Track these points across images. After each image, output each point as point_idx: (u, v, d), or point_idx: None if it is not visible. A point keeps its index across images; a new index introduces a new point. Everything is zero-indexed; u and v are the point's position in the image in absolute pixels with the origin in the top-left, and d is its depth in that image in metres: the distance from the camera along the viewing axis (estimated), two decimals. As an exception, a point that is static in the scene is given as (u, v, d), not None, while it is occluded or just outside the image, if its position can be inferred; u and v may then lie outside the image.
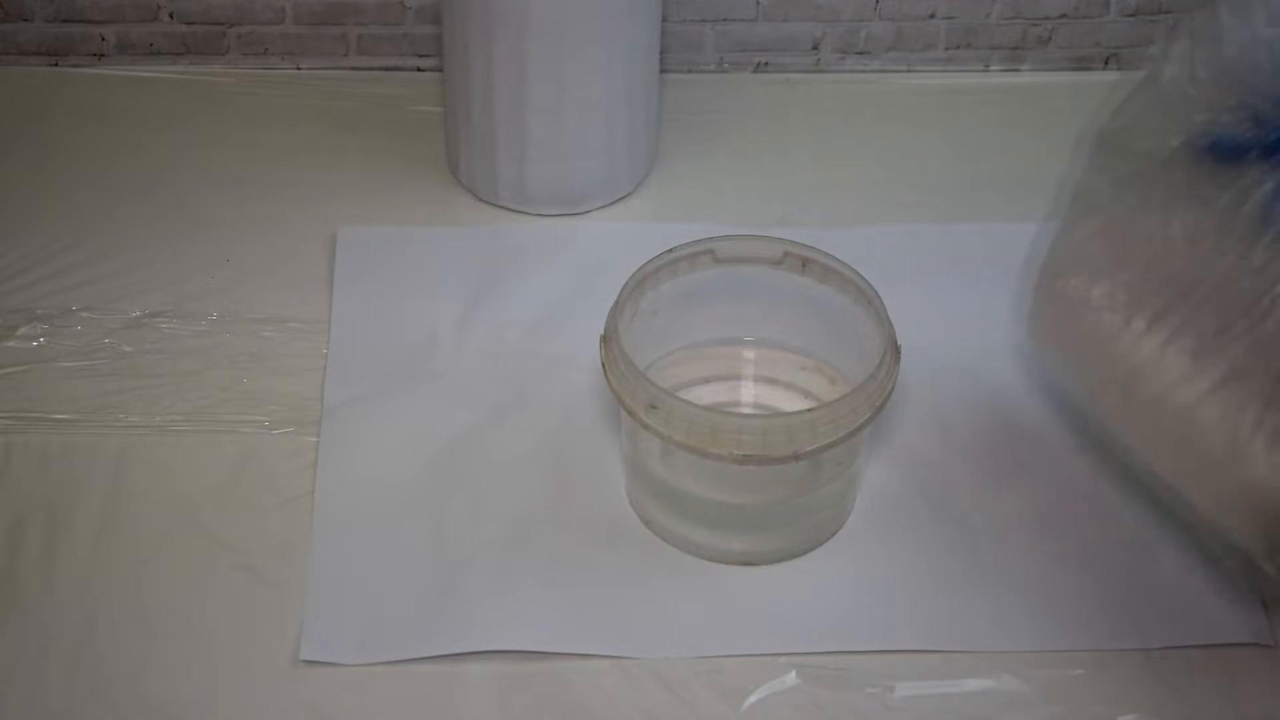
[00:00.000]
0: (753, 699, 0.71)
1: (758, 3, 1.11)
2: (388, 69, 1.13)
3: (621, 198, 1.01)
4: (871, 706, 0.70)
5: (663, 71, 1.03)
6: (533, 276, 0.94)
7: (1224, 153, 0.62)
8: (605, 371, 0.74)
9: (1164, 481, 0.68)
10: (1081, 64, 1.14)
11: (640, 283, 0.77)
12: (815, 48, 1.14)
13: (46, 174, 1.01)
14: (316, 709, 0.69)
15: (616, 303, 0.76)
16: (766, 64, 1.14)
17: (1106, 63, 1.15)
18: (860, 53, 1.14)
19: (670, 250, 0.79)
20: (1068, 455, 0.82)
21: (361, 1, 1.10)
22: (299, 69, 1.13)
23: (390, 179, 1.02)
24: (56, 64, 1.12)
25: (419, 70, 1.13)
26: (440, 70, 1.10)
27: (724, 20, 1.12)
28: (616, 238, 0.97)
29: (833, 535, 0.78)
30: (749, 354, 0.84)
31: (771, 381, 0.84)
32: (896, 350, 0.74)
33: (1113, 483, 0.80)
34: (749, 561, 0.77)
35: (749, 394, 0.84)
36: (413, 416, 0.84)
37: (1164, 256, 0.64)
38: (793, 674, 0.72)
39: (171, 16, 1.10)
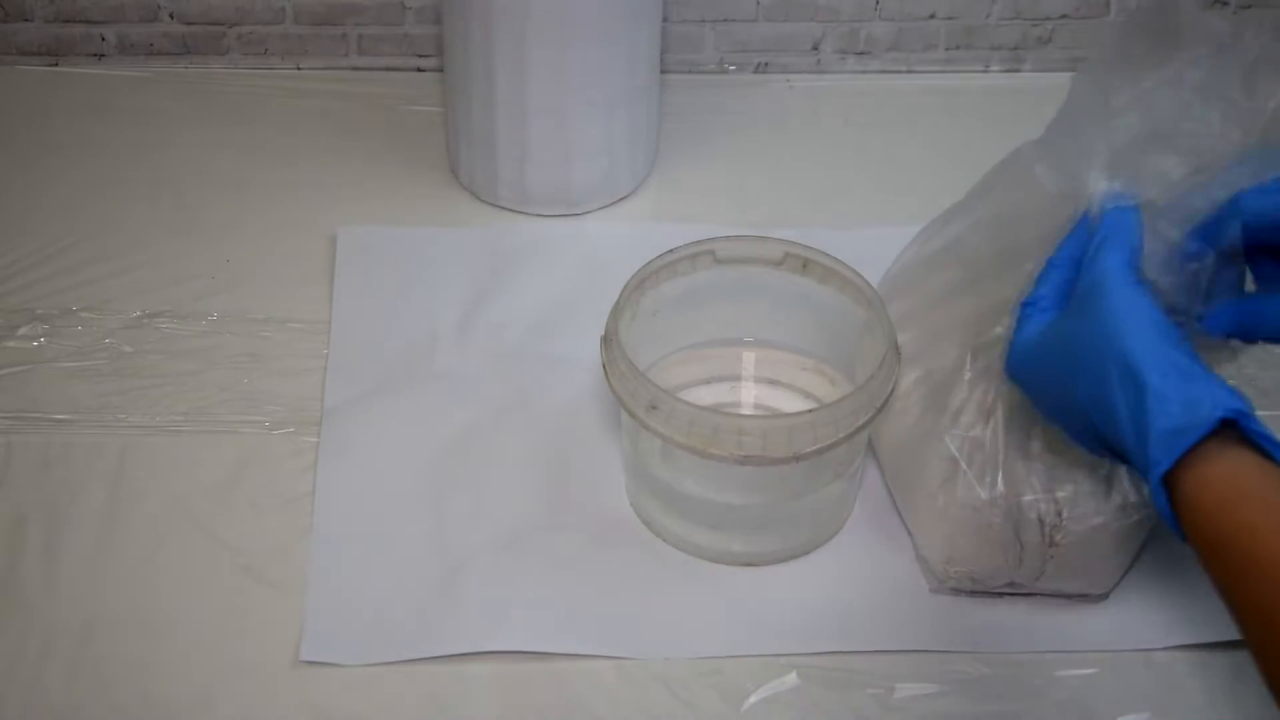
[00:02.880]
0: (753, 699, 0.71)
1: (758, 3, 1.11)
2: (388, 69, 1.13)
3: (622, 198, 1.01)
4: (871, 706, 0.70)
5: (663, 71, 1.03)
6: (533, 277, 0.94)
7: None
8: (606, 372, 0.74)
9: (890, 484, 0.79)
10: (1081, 64, 1.14)
11: (641, 283, 0.77)
12: (815, 48, 1.14)
13: (46, 174, 1.01)
14: (317, 709, 0.69)
15: (617, 303, 0.76)
16: (766, 64, 1.14)
17: (1106, 63, 1.15)
18: (860, 53, 1.14)
19: (671, 251, 0.79)
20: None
21: (361, 1, 1.10)
22: (299, 69, 1.13)
23: (390, 179, 1.02)
24: (56, 64, 1.12)
25: (419, 70, 1.13)
26: (440, 70, 1.10)
27: (724, 20, 1.12)
28: (617, 238, 0.97)
29: (833, 535, 0.78)
30: (749, 355, 0.84)
31: (772, 382, 0.84)
32: (897, 351, 0.74)
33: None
34: (749, 562, 0.77)
35: (749, 395, 0.84)
36: (413, 416, 0.84)
37: (933, 299, 0.74)
38: (793, 674, 0.72)
39: (171, 16, 1.10)
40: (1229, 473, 0.53)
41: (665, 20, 1.01)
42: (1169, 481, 0.55)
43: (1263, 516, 0.52)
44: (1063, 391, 0.61)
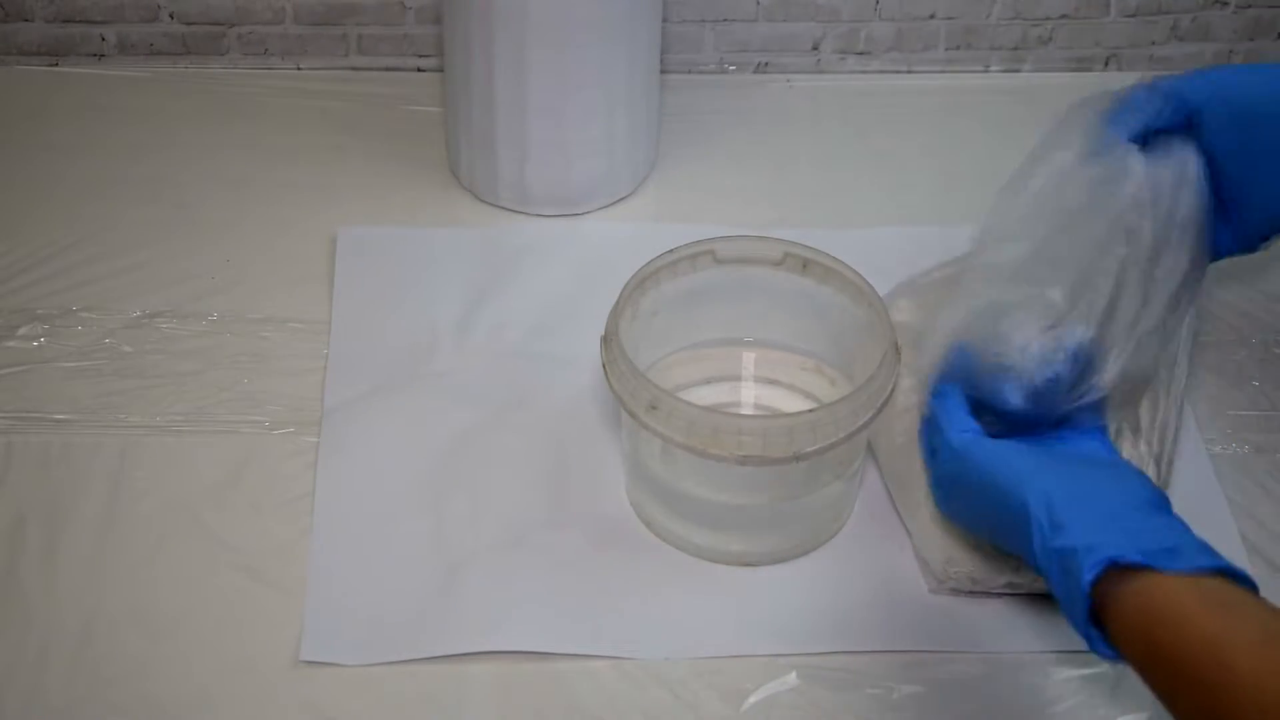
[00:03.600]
0: (753, 699, 0.71)
1: (758, 3, 1.11)
2: (388, 69, 1.13)
3: (621, 198, 1.01)
4: (871, 706, 0.70)
5: (663, 71, 1.03)
6: (533, 277, 0.94)
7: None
8: (606, 372, 0.74)
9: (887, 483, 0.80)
10: (1082, 64, 1.14)
11: (641, 283, 0.77)
12: (815, 48, 1.14)
13: (46, 174, 1.01)
14: (317, 709, 0.69)
15: (617, 303, 0.76)
16: (767, 64, 1.14)
17: (1106, 63, 1.15)
18: (860, 53, 1.14)
19: (671, 251, 0.79)
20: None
21: (361, 1, 1.10)
22: (299, 69, 1.13)
23: (390, 179, 1.02)
24: (56, 64, 1.12)
25: (419, 70, 1.13)
26: (440, 70, 1.10)
27: (724, 20, 1.12)
28: (617, 238, 0.97)
29: (833, 535, 0.78)
30: (749, 355, 0.84)
31: (772, 382, 0.84)
32: (897, 352, 0.74)
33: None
34: (749, 562, 0.77)
35: (749, 395, 0.84)
36: (413, 417, 0.84)
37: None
38: (793, 674, 0.72)
39: (171, 16, 1.10)
40: (1139, 602, 0.56)
41: (665, 20, 1.01)
42: (1095, 616, 0.58)
43: (1175, 636, 0.54)
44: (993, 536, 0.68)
